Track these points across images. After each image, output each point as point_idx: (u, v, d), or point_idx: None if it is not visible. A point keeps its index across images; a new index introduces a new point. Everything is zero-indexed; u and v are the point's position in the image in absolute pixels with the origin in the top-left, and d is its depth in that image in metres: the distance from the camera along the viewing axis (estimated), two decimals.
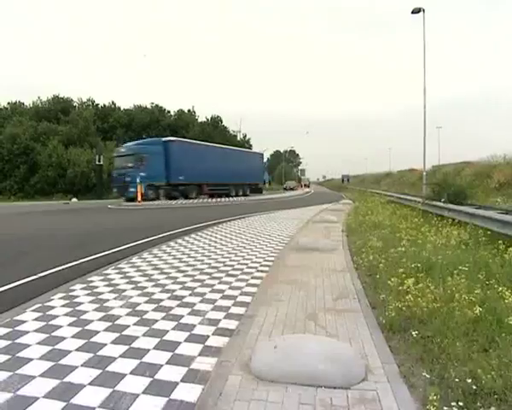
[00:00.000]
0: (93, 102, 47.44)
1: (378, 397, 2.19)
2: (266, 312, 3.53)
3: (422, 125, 18.85)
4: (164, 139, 27.35)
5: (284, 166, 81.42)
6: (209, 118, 51.23)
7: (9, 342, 2.93)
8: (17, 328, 3.20)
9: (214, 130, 48.01)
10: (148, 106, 49.00)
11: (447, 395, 2.18)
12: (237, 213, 14.69)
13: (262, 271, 5.17)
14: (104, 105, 47.30)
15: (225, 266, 5.47)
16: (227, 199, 28.52)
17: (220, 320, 3.33)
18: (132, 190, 23.58)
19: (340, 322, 3.30)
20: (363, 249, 6.21)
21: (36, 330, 3.14)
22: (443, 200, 12.32)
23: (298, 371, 2.38)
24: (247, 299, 3.93)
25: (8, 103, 46.34)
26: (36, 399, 2.19)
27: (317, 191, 50.58)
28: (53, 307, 3.70)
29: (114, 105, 48.41)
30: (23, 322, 3.33)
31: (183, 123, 47.67)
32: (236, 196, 32.03)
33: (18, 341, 2.94)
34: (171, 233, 9.24)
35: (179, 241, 7.83)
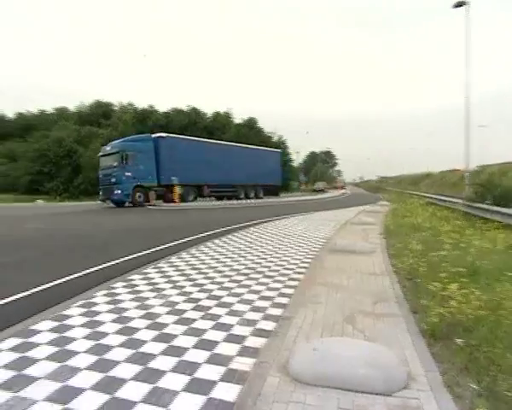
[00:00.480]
0: (132, 105, 48.97)
1: (421, 406, 2.12)
2: (304, 314, 3.51)
3: (463, 123, 18.13)
4: (154, 135, 24.22)
5: (320, 167, 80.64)
6: (245, 119, 51.59)
7: (58, 335, 3.08)
8: (64, 322, 3.35)
9: (249, 131, 48.23)
10: (186, 108, 49.97)
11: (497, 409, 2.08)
12: (271, 215, 14.68)
13: (299, 272, 5.14)
14: (143, 108, 48.65)
15: (262, 267, 5.48)
16: (259, 201, 27.77)
17: (258, 321, 3.34)
18: (117, 192, 21.30)
19: (379, 326, 3.23)
20: (403, 252, 6.05)
21: (81, 325, 3.27)
22: (487, 202, 11.80)
23: (337, 374, 2.35)
24: (285, 300, 3.92)
25: (55, 109, 48.74)
26: (83, 390, 2.29)
27: (353, 193, 49.76)
28: (96, 304, 3.84)
29: (153, 108, 49.69)
30: (70, 317, 3.48)
31: (219, 125, 48.24)
32: (246, 198, 29.50)
33: (65, 334, 3.08)
34: (207, 234, 9.36)
35: (216, 241, 7.92)
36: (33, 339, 3.01)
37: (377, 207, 19.19)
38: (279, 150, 37.56)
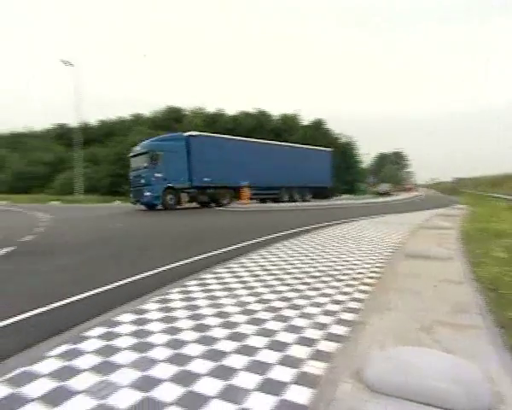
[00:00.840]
0: (203, 109, 50.84)
1: None
2: (377, 320, 3.40)
3: None
4: (186, 134, 22.89)
5: (389, 169, 77.54)
6: (312, 121, 51.21)
7: (138, 327, 3.28)
8: (143, 316, 3.56)
9: (316, 132, 47.80)
10: (253, 111, 50.79)
11: None
12: (339, 218, 14.41)
13: (371, 277, 4.99)
14: (213, 113, 50.26)
15: (332, 270, 5.40)
16: (325, 203, 27.12)
17: (329, 325, 3.29)
18: (147, 194, 20.53)
19: (458, 338, 3.02)
20: (484, 260, 5.62)
21: (158, 320, 3.46)
22: None
23: (414, 387, 2.25)
24: (357, 305, 3.83)
25: (132, 115, 52.16)
26: (160, 381, 2.41)
27: (426, 195, 47.12)
28: (171, 300, 4.03)
29: (222, 112, 51.16)
30: (147, 311, 3.70)
31: (287, 127, 48.40)
32: (292, 201, 27.62)
33: (144, 327, 3.28)
34: (275, 236, 9.43)
35: (285, 243, 7.94)
36: (117, 329, 3.24)
37: (453, 210, 18.02)
38: (329, 149, 34.60)
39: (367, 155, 62.18)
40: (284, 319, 3.45)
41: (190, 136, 22.53)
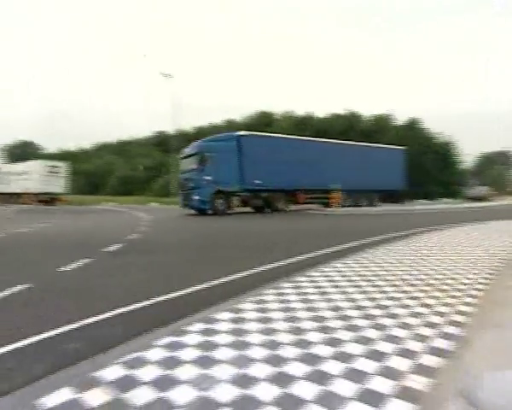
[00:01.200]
0: (293, 113, 51.20)
1: None
2: (484, 336, 3.09)
3: None
4: (237, 134, 21.50)
5: (497, 170, 70.20)
6: (406, 120, 48.53)
7: (235, 325, 3.40)
8: (239, 315, 3.68)
9: (409, 132, 45.06)
10: (344, 112, 49.73)
11: None
12: (439, 223, 13.42)
13: (477, 289, 4.56)
14: (302, 116, 50.31)
15: (432, 279, 5.05)
16: (400, 207, 24.94)
17: (431, 338, 3.08)
18: (196, 198, 19.42)
19: None
20: None
21: (254, 320, 3.54)
22: None
23: None
24: (461, 319, 3.52)
25: (225, 121, 54.57)
26: (259, 379, 2.46)
27: None
28: (266, 301, 4.10)
29: (312, 115, 50.98)
30: (244, 310, 3.81)
31: (378, 127, 46.53)
32: (356, 205, 24.82)
33: (241, 326, 3.38)
34: (367, 242, 9.12)
35: (379, 248, 7.63)
36: (215, 326, 3.39)
37: None
38: (401, 148, 30.23)
39: (468, 155, 56.86)
40: (381, 327, 3.31)
41: (241, 135, 21.22)
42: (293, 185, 22.17)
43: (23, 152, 68.69)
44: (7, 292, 4.90)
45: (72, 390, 2.36)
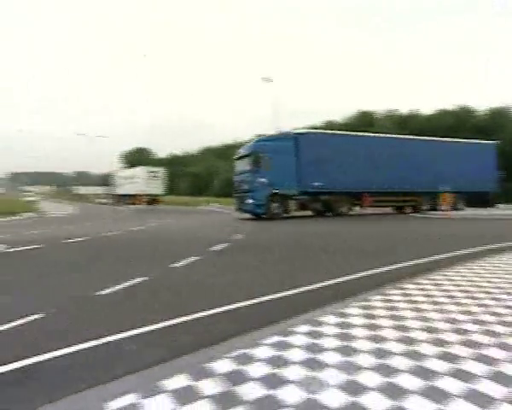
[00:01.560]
0: (394, 112, 48.72)
1: None
2: None
3: None
4: (294, 132, 20.07)
5: None
6: None
7: (342, 330, 3.33)
8: (346, 320, 3.60)
9: None
10: (454, 108, 45.83)
11: None
12: None
13: None
14: (406, 114, 47.61)
15: None
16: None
17: None
18: (250, 201, 18.47)
19: None
20: None
21: (361, 326, 3.43)
22: None
23: None
24: None
25: (324, 122, 54.24)
26: (368, 388, 2.38)
27: None
28: (374, 307, 3.95)
29: (417, 112, 47.96)
30: (350, 315, 3.72)
31: (495, 123, 41.77)
32: (433, 209, 21.73)
33: (347, 331, 3.30)
34: (484, 249, 8.29)
35: (501, 257, 6.87)
36: (321, 329, 3.36)
37: None
38: (492, 142, 25.41)
39: None
40: (507, 347, 2.96)
41: (299, 134, 19.80)
42: (358, 187, 20.32)
43: (139, 157, 76.44)
44: (127, 284, 5.50)
45: (188, 378, 2.53)
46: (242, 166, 19.66)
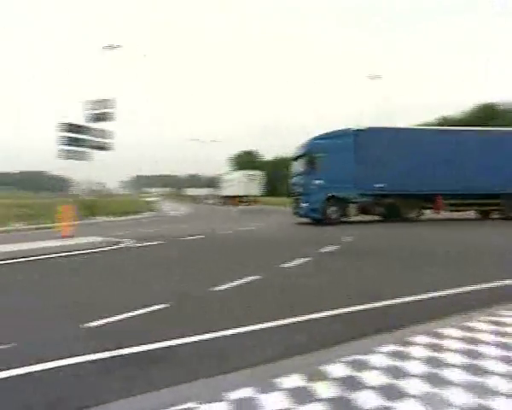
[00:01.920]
0: None
1: None
2: None
3: None
4: (353, 128, 17.60)
5: None
6: None
7: (467, 346, 3.06)
8: (471, 334, 3.30)
9: None
10: None
11: None
12: None
13: None
14: None
15: None
16: None
17: None
18: (304, 205, 17.06)
19: None
20: None
21: (491, 343, 3.11)
22: None
23: None
24: None
25: (437, 119, 50.46)
26: None
27: None
28: (505, 324, 3.55)
29: None
30: (476, 329, 3.41)
31: None
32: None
33: (474, 347, 3.02)
34: None
35: None
36: (442, 342, 3.14)
37: None
38: None
39: None
40: None
41: (359, 130, 17.63)
42: (430, 188, 17.66)
43: (246, 160, 79.70)
44: (242, 281, 5.80)
45: (302, 378, 2.57)
46: (297, 167, 18.50)
